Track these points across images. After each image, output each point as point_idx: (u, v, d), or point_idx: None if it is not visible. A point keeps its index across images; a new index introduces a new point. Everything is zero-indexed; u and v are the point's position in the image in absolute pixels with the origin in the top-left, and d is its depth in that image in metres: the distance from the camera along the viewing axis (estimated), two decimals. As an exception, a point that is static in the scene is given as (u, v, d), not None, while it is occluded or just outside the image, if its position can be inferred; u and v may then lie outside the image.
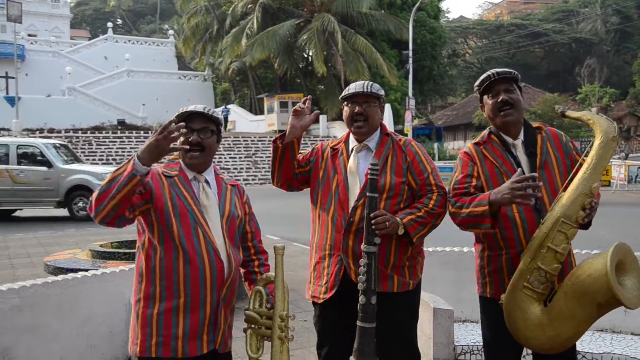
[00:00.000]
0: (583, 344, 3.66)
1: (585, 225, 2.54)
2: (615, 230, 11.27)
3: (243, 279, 2.67)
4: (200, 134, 2.44)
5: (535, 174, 2.49)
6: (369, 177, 2.56)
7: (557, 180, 2.63)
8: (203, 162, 2.48)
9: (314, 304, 2.89)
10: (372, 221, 2.55)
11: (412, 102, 29.50)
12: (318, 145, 3.02)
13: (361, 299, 2.53)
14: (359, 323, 2.54)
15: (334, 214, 2.78)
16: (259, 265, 2.66)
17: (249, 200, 2.69)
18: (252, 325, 2.48)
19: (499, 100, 2.66)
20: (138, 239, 2.45)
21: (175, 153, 2.43)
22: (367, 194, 2.56)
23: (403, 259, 2.77)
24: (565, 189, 2.52)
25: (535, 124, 2.77)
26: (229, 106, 40.38)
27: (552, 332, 2.44)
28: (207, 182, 2.49)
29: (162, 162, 2.55)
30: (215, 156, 2.61)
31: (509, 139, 2.71)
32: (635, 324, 3.88)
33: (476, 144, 2.80)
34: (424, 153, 2.89)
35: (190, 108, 2.45)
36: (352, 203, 2.75)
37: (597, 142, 2.51)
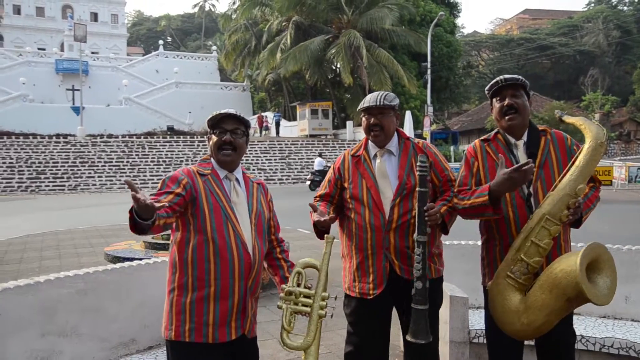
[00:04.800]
0: (587, 329, 3.59)
1: (576, 224, 2.49)
2: (617, 226, 11.01)
3: (267, 265, 2.60)
4: (232, 134, 2.40)
5: (530, 160, 2.39)
6: (418, 173, 2.54)
7: (555, 180, 2.52)
8: (234, 161, 2.43)
9: (360, 299, 2.75)
10: (426, 213, 2.52)
11: (430, 109, 29.35)
12: (337, 162, 2.94)
13: (417, 284, 2.50)
14: (415, 306, 2.50)
15: (370, 215, 2.69)
16: (281, 252, 2.61)
17: (272, 198, 2.64)
18: (288, 302, 2.39)
19: (505, 104, 2.61)
20: (172, 234, 2.40)
21: (206, 154, 2.41)
22: (418, 189, 2.54)
23: (434, 247, 2.76)
24: (554, 189, 2.45)
25: (541, 127, 2.69)
26: (265, 113, 40.55)
27: (525, 320, 2.41)
28: (237, 180, 2.45)
29: (196, 161, 2.50)
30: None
31: (512, 139, 2.64)
32: (635, 311, 3.79)
33: (482, 140, 2.75)
34: (439, 153, 2.89)
35: (223, 111, 2.42)
36: (386, 203, 2.69)
37: (586, 146, 2.46)
